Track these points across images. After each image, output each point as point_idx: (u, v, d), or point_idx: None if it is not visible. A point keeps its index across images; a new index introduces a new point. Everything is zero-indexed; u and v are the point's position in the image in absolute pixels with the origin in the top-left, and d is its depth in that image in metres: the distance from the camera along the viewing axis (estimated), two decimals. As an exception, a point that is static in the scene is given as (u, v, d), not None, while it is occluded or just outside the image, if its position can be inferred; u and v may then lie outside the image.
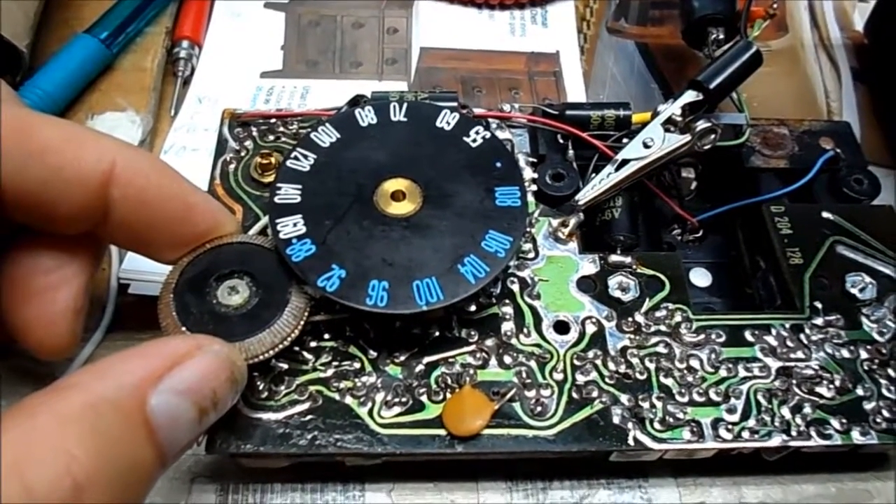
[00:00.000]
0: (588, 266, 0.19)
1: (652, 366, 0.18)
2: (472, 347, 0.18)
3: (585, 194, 0.20)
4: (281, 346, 0.16)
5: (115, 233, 0.16)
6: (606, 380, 0.18)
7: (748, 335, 0.18)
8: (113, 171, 0.14)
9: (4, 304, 0.16)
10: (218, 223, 0.17)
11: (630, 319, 0.18)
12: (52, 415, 0.11)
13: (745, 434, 0.17)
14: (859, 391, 0.18)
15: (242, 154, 0.21)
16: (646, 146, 0.20)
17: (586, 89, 0.28)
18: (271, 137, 0.21)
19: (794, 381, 0.18)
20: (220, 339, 0.15)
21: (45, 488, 0.10)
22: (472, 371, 0.17)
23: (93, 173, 0.14)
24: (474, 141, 0.19)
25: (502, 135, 0.21)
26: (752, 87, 0.28)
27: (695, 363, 0.18)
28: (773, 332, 0.19)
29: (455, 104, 0.21)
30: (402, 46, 0.29)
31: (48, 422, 0.11)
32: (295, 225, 0.17)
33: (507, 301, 0.18)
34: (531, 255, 0.19)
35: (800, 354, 0.18)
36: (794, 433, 0.17)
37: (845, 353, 0.18)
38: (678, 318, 0.19)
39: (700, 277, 0.22)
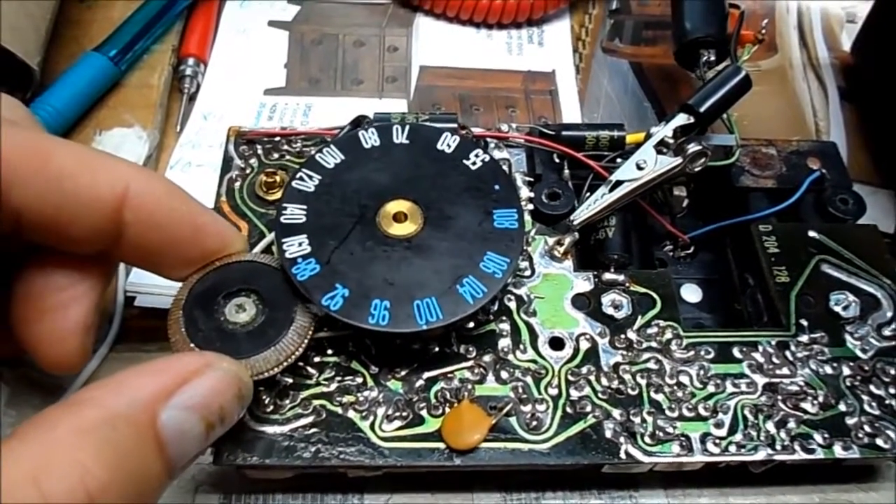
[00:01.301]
0: (582, 284, 0.20)
1: (643, 381, 0.18)
2: (471, 363, 0.18)
3: (580, 214, 0.20)
4: (286, 364, 0.17)
5: (127, 252, 0.16)
6: (599, 395, 0.18)
7: (736, 352, 0.19)
8: (126, 195, 0.15)
9: (17, 319, 0.16)
10: (226, 242, 0.17)
11: (622, 336, 0.19)
12: (69, 428, 0.11)
13: (732, 448, 0.18)
14: (842, 407, 0.18)
15: (247, 172, 0.22)
16: (639, 168, 0.21)
17: (581, 108, 0.29)
18: (276, 155, 0.22)
19: (779, 397, 0.18)
20: (227, 356, 0.15)
21: (60, 498, 0.10)
22: (470, 386, 0.18)
23: (107, 197, 0.15)
24: (474, 164, 0.19)
25: (500, 154, 0.22)
26: (743, 107, 0.28)
27: (684, 379, 0.19)
28: (760, 348, 0.19)
29: (455, 125, 0.21)
30: (402, 64, 0.29)
31: (65, 435, 0.11)
32: (300, 245, 0.18)
33: (504, 318, 0.19)
34: (528, 272, 0.20)
35: (785, 371, 0.19)
36: (778, 447, 0.18)
37: (829, 370, 0.19)
38: (669, 334, 0.19)
39: (691, 293, 0.23)
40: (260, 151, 0.22)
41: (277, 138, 0.22)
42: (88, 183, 0.15)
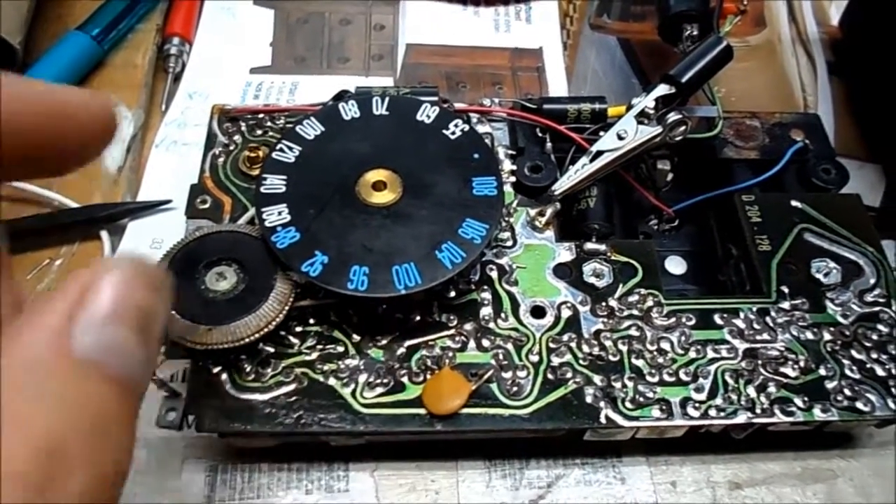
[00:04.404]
0: (564, 253, 0.20)
1: (624, 348, 0.19)
2: (452, 331, 0.18)
3: (561, 184, 0.20)
4: (266, 330, 0.17)
5: (7, 172, 0.13)
6: (580, 361, 0.18)
7: (717, 318, 0.19)
8: None
9: None
10: (98, 108, 0.14)
11: (604, 304, 0.19)
12: None
13: (712, 412, 0.18)
14: (822, 371, 0.19)
15: (231, 148, 0.22)
16: (620, 138, 0.21)
17: (568, 84, 0.29)
18: (259, 132, 0.22)
19: (759, 362, 0.19)
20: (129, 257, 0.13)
21: (23, 468, 0.10)
22: (451, 354, 0.18)
23: None
24: (453, 133, 0.19)
25: (483, 129, 0.22)
26: (731, 82, 0.29)
27: (665, 345, 0.19)
28: (742, 315, 0.19)
29: (435, 98, 0.21)
30: (389, 43, 0.29)
31: None
32: (280, 214, 0.18)
33: (485, 287, 0.19)
34: (509, 243, 0.20)
35: (766, 336, 0.19)
36: (758, 411, 0.18)
37: (809, 335, 0.19)
38: (650, 302, 0.19)
39: (675, 265, 0.23)
40: (244, 128, 0.22)
41: (261, 115, 0.22)
42: None
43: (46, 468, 0.10)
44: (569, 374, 0.18)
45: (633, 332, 0.19)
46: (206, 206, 0.20)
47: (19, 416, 0.10)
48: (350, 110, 0.20)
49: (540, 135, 0.22)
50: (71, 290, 0.11)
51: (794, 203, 0.21)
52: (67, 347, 0.11)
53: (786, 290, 0.20)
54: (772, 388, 0.18)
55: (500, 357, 0.18)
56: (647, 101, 0.21)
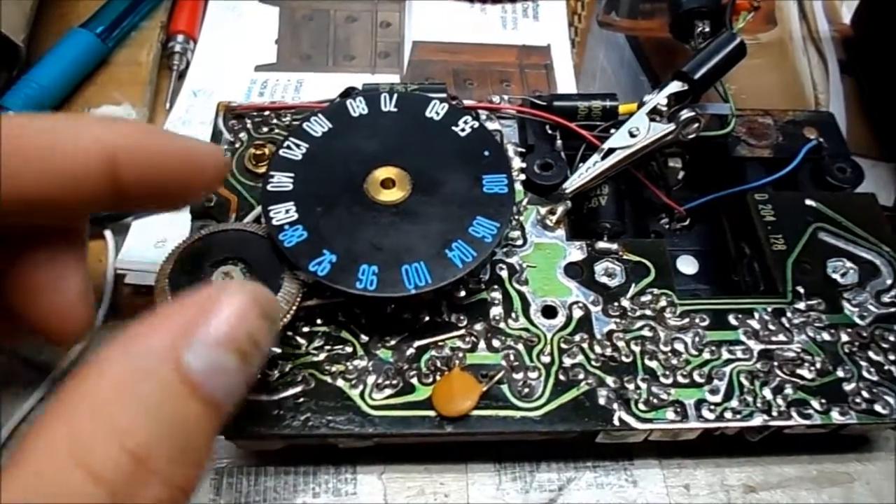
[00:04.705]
0: (575, 252, 0.20)
1: (637, 349, 0.18)
2: (462, 332, 0.18)
3: (572, 182, 0.20)
4: (274, 330, 0.16)
5: (131, 205, 0.15)
6: (592, 362, 0.18)
7: (732, 319, 0.19)
8: (115, 154, 0.14)
9: (16, 300, 0.15)
10: (215, 159, 0.16)
11: (616, 304, 0.19)
12: (92, 398, 0.11)
13: (728, 414, 0.17)
14: (840, 373, 0.18)
15: (237, 146, 0.21)
16: (631, 135, 0.20)
17: (577, 82, 0.28)
18: (265, 129, 0.22)
19: (775, 364, 0.18)
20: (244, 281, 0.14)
21: (108, 470, 0.10)
22: (461, 354, 0.18)
23: (96, 163, 0.14)
24: (463, 130, 0.19)
25: (492, 126, 0.22)
26: (742, 80, 0.28)
27: (679, 346, 0.18)
28: (756, 315, 0.19)
29: (444, 95, 0.21)
30: (395, 40, 0.29)
31: (89, 406, 0.11)
32: (287, 212, 0.17)
33: (495, 287, 0.19)
34: (520, 242, 0.20)
35: (782, 337, 0.19)
36: (774, 413, 0.17)
37: (826, 337, 0.19)
38: (663, 302, 0.19)
39: (687, 265, 0.22)
40: (249, 126, 0.22)
41: (267, 113, 0.22)
42: (69, 151, 0.14)
43: (129, 475, 0.10)
44: (581, 376, 0.18)
45: (647, 332, 0.19)
46: (212, 204, 0.20)
47: (118, 421, 0.10)
48: (358, 107, 0.19)
49: (550, 132, 0.22)
50: (189, 307, 0.12)
51: (808, 202, 0.21)
52: (178, 363, 0.11)
53: (801, 290, 0.19)
54: (788, 390, 0.18)
55: (511, 358, 0.18)
56: (659, 98, 0.21)
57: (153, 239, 0.23)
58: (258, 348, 0.13)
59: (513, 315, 0.18)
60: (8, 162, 0.13)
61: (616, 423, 0.17)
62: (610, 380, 0.18)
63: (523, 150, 0.22)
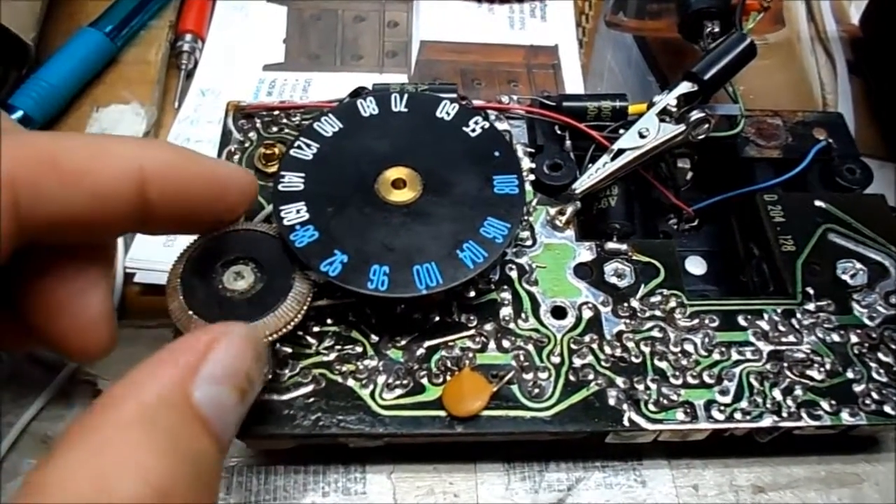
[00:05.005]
0: (585, 253, 0.20)
1: (647, 349, 0.18)
2: (472, 332, 0.18)
3: (582, 183, 0.20)
4: (285, 330, 0.16)
5: (158, 227, 0.15)
6: (602, 363, 0.18)
7: (741, 320, 0.19)
8: (144, 175, 0.14)
9: (36, 317, 0.15)
10: (245, 183, 0.16)
11: (626, 305, 0.19)
12: (114, 429, 0.11)
13: (738, 415, 0.17)
14: (849, 374, 0.18)
15: (246, 145, 0.21)
16: (641, 136, 0.20)
17: (584, 82, 0.28)
18: (275, 129, 0.22)
19: (785, 365, 0.18)
20: (235, 322, 0.15)
21: (133, 500, 0.10)
22: (471, 354, 0.18)
23: (127, 183, 0.14)
24: (473, 130, 0.19)
25: (501, 126, 0.22)
26: (750, 80, 0.28)
27: (689, 347, 0.18)
28: (766, 316, 0.19)
29: (454, 95, 0.21)
30: (403, 40, 0.29)
31: (113, 436, 0.11)
32: (298, 212, 0.18)
33: (505, 287, 0.19)
34: (529, 242, 0.20)
35: (791, 339, 0.19)
36: (784, 414, 0.17)
37: (836, 338, 0.19)
38: (673, 303, 0.19)
39: (696, 266, 0.22)
40: (259, 125, 0.22)
41: (276, 112, 0.22)
42: (103, 173, 0.13)
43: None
44: (591, 376, 0.18)
45: (656, 333, 0.19)
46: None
47: (141, 457, 0.11)
48: (368, 107, 0.20)
49: (559, 132, 0.22)
50: (196, 346, 0.13)
51: (817, 203, 0.21)
52: (190, 399, 0.12)
53: (811, 291, 0.19)
54: (798, 392, 0.18)
55: (521, 358, 0.18)
56: (668, 99, 0.21)
57: (162, 238, 0.23)
58: (252, 388, 0.13)
59: (522, 315, 0.19)
60: (44, 184, 0.13)
61: (626, 423, 0.17)
62: (620, 380, 0.18)
63: (532, 150, 0.22)
